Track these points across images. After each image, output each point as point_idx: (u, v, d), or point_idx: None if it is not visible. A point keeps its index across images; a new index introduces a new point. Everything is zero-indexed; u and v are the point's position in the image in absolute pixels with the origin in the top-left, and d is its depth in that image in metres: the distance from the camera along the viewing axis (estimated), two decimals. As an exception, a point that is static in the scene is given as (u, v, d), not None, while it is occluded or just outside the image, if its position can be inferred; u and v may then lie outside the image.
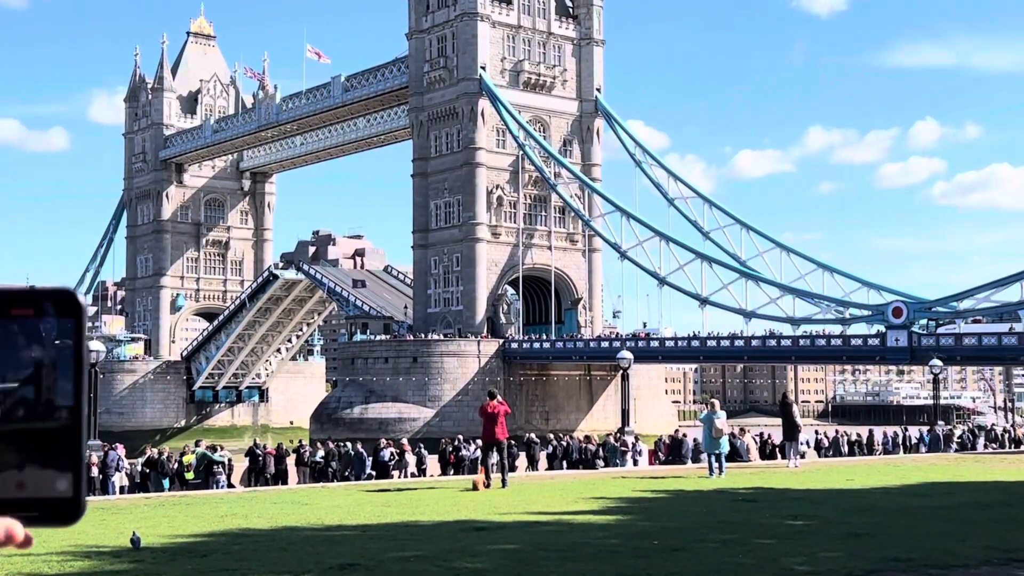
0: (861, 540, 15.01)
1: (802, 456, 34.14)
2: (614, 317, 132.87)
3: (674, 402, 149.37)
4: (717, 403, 29.86)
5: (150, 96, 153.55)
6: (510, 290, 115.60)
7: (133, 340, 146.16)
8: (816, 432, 55.70)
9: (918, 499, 21.67)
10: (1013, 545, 14.43)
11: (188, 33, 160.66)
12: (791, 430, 32.04)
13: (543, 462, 42.74)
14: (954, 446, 50.51)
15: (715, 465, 27.77)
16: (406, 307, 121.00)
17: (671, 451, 39.57)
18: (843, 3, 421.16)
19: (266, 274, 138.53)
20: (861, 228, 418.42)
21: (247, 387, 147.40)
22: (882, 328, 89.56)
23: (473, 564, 12.83)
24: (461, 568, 12.48)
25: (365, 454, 39.43)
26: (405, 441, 42.56)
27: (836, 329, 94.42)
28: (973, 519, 17.67)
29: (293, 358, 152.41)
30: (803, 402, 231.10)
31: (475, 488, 23.56)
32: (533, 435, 43.98)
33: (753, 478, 27.22)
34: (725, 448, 28.21)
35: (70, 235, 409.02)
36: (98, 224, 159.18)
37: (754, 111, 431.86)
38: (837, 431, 57.81)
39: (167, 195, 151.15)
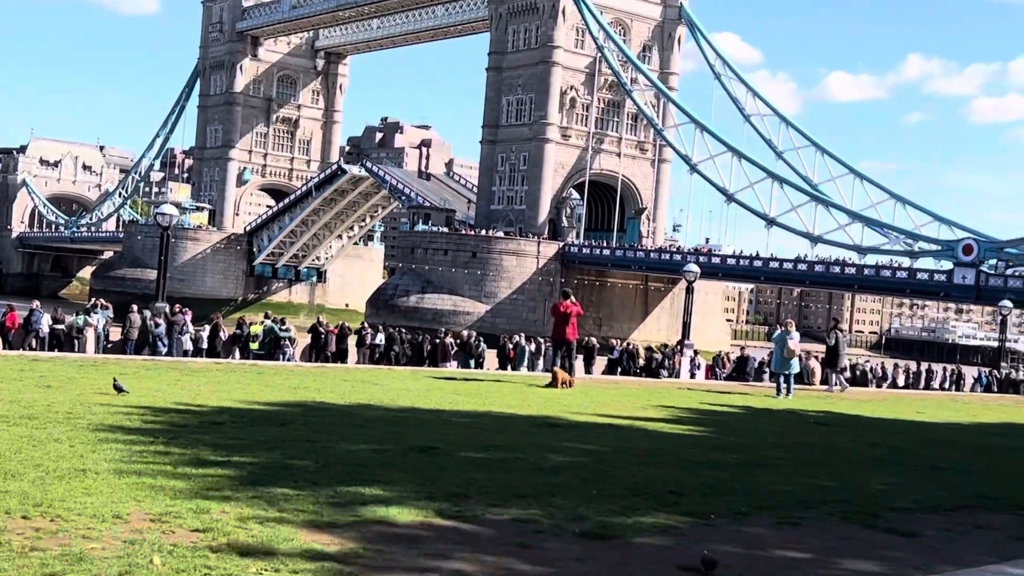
0: (944, 474, 14.61)
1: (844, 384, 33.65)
2: (674, 231, 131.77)
3: (727, 320, 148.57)
4: (792, 323, 29.32)
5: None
6: (575, 194, 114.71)
7: (198, 209, 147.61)
8: (881, 364, 55.03)
9: (995, 438, 21.21)
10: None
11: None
12: (835, 357, 31.52)
13: (600, 366, 42.58)
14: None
15: (784, 386, 27.39)
16: (470, 203, 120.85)
17: (735, 368, 39.16)
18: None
19: (334, 167, 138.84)
20: (943, 162, 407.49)
21: (307, 267, 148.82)
22: (950, 264, 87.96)
23: (553, 459, 12.62)
24: (543, 462, 12.27)
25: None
26: (465, 333, 42.53)
27: (903, 261, 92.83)
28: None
29: (354, 243, 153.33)
30: (857, 332, 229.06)
31: (554, 384, 23.39)
32: (593, 339, 43.77)
33: (821, 402, 26.82)
34: (795, 369, 27.80)
35: (147, 100, 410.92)
36: (174, 91, 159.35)
37: (853, 33, 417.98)
38: (897, 364, 57.08)
39: (240, 67, 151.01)
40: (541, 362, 39.54)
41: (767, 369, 37.38)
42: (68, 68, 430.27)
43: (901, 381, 52.38)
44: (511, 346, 39.40)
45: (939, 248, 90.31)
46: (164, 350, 32.82)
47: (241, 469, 10.30)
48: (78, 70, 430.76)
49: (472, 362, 38.39)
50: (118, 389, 16.07)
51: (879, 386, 48.77)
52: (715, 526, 9.35)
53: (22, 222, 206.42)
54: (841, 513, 10.46)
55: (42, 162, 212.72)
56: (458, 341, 39.33)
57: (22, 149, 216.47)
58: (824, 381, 33.96)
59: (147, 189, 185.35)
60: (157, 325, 33.92)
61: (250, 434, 12.84)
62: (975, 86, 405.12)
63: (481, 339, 40.75)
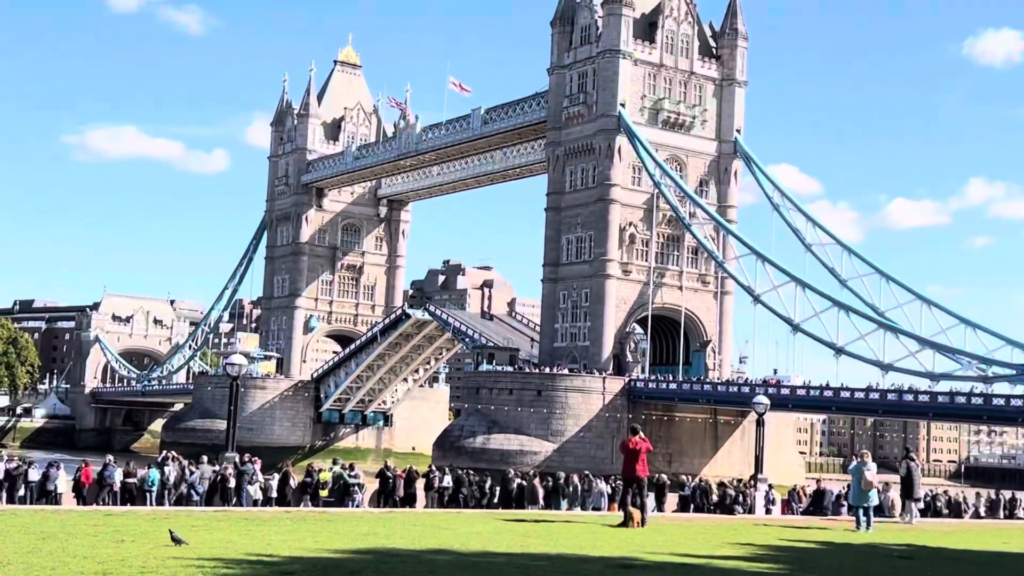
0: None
1: (918, 514, 32.83)
2: (740, 363, 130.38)
3: (800, 453, 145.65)
4: (868, 454, 28.71)
5: (295, 122, 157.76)
6: (638, 329, 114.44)
7: (266, 358, 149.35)
8: (961, 493, 53.44)
9: (1089, 569, 20.38)
10: None
11: (335, 62, 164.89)
12: (910, 487, 30.74)
13: (672, 503, 41.86)
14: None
15: (863, 519, 26.65)
16: (533, 341, 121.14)
17: (812, 502, 38.24)
18: (1020, 54, 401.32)
19: (398, 312, 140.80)
20: (1012, 285, 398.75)
21: (373, 411, 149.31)
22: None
23: (630, 602, 12.35)
24: (619, 605, 12.01)
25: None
26: (532, 472, 42.16)
27: (977, 387, 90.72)
28: None
29: (419, 386, 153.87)
30: (935, 461, 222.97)
31: (626, 523, 23.00)
32: (664, 476, 43.12)
33: (903, 534, 26.02)
34: (875, 502, 27.09)
35: (216, 253, 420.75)
36: (241, 243, 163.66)
37: (912, 160, 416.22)
38: (978, 493, 55.30)
39: (306, 218, 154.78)
40: (599, 500, 38.93)
41: (845, 502, 36.45)
42: (139, 226, 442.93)
43: (983, 511, 50.70)
44: (577, 485, 38.99)
45: (1014, 372, 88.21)
46: (197, 498, 33.12)
47: (314, 620, 10.21)
48: (149, 228, 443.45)
49: (564, 503, 38.11)
50: (176, 541, 16.10)
51: (960, 516, 47.29)
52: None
53: (95, 377, 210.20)
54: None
55: (114, 318, 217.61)
56: (546, 483, 39.06)
57: (95, 306, 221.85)
58: (903, 512, 33.05)
59: (216, 340, 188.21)
60: (191, 473, 34.24)
61: (322, 583, 12.76)
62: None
63: (558, 479, 40.23)
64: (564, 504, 37.50)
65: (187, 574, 12.96)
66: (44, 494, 35.09)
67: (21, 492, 35.54)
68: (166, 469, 36.02)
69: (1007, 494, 55.62)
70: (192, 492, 33.53)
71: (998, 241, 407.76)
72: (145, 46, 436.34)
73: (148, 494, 34.88)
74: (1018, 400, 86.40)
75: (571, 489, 39.32)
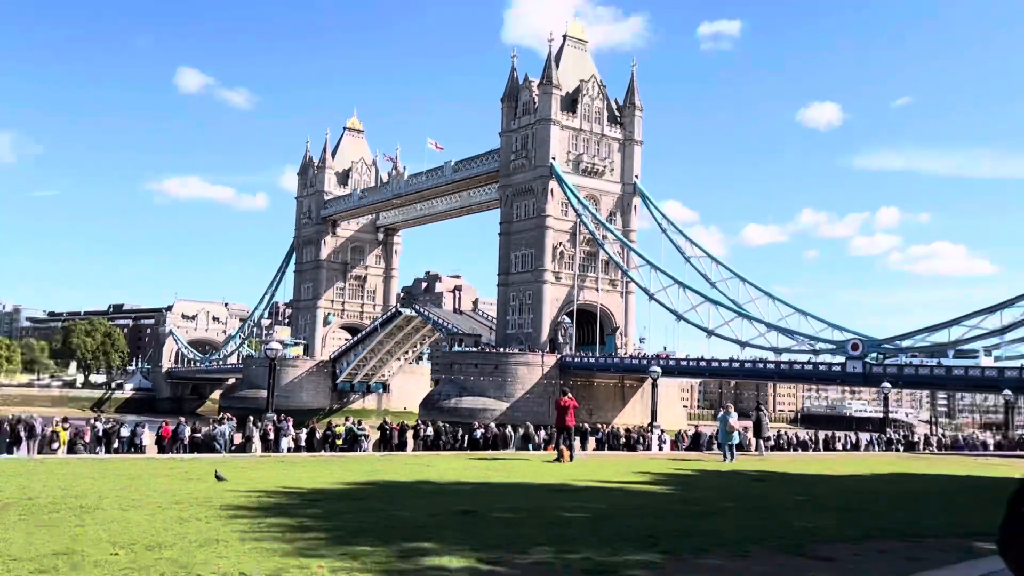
0: (851, 513, 14.23)
1: (768, 449, 33.35)
2: (640, 342, 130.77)
3: (683, 407, 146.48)
4: (731, 406, 29.08)
5: (315, 172, 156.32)
6: (567, 319, 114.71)
7: (296, 344, 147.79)
8: (796, 433, 54.00)
9: (887, 484, 20.69)
10: (967, 522, 13.53)
11: (344, 128, 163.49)
12: (759, 428, 31.19)
13: (592, 444, 41.84)
14: (900, 448, 48.58)
15: (728, 453, 26.87)
16: (491, 330, 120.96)
17: (692, 441, 38.52)
18: (838, 120, 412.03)
19: (393, 310, 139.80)
20: (833, 285, 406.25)
21: (375, 382, 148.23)
22: (843, 358, 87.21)
23: (563, 515, 12.35)
24: (556, 518, 12.01)
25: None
26: (493, 424, 42.02)
27: (809, 357, 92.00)
28: (934, 501, 16.73)
29: (409, 363, 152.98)
30: (779, 410, 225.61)
31: (559, 459, 23.01)
32: (586, 425, 43.17)
33: (758, 464, 26.27)
34: (736, 440, 27.32)
35: (258, 268, 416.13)
36: (277, 261, 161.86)
37: (762, 195, 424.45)
38: (809, 433, 56.06)
39: (324, 242, 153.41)
40: (530, 446, 38.45)
41: (715, 441, 36.73)
42: (203, 248, 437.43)
43: (814, 446, 51.38)
44: (528, 432, 38.77)
45: (834, 347, 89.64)
46: (219, 447, 32.34)
47: (332, 532, 10.10)
48: (210, 249, 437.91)
49: (531, 447, 37.57)
50: (219, 478, 15.81)
51: (807, 449, 47.84)
52: (685, 560, 9.09)
53: (170, 360, 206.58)
54: (778, 546, 10.17)
55: (183, 316, 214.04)
56: (521, 432, 38.73)
57: (169, 308, 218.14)
58: (756, 448, 33.40)
59: (259, 332, 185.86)
60: (215, 428, 33.40)
61: (337, 506, 12.62)
62: (852, 229, 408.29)
63: (529, 428, 39.67)
64: (531, 447, 37.14)
65: (239, 502, 12.76)
66: (133, 446, 34.43)
67: (116, 445, 34.86)
68: (224, 426, 35.38)
69: (829, 433, 56.43)
70: (215, 443, 32.73)
71: (822, 254, 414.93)
72: (206, 116, 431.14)
73: (213, 444, 34.24)
74: (837, 367, 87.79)
75: (517, 436, 39.02)
